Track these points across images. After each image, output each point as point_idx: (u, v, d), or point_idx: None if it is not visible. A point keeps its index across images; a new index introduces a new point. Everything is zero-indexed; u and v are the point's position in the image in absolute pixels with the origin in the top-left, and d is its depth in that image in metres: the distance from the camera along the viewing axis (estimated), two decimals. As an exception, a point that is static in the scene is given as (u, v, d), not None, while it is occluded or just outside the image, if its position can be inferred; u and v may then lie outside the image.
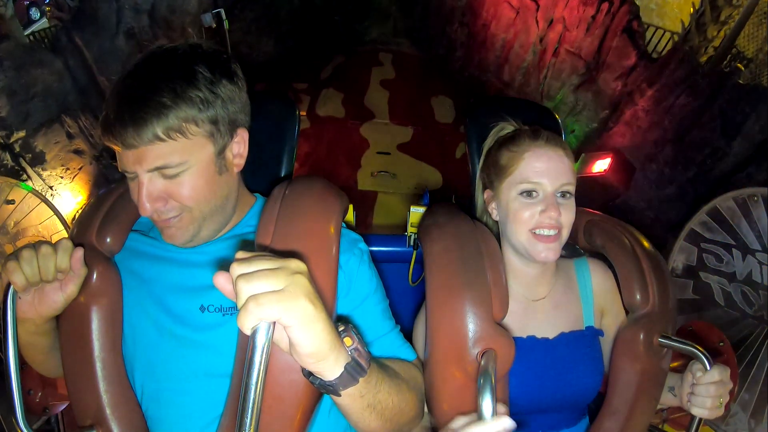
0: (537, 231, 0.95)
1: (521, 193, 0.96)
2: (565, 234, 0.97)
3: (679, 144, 4.40)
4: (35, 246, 0.77)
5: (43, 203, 2.83)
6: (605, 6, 5.10)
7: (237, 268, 0.57)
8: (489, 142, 1.08)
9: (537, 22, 6.04)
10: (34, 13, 8.53)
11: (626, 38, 4.93)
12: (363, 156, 5.49)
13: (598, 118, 5.03)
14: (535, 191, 0.95)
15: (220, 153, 0.80)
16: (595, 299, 1.05)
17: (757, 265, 2.14)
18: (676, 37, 4.62)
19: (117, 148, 0.76)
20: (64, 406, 1.18)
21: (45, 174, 4.20)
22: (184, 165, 0.76)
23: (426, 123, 6.07)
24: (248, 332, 0.56)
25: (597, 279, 1.06)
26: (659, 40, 5.11)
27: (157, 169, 0.75)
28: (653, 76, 4.64)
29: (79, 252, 0.81)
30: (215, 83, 0.77)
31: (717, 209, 2.23)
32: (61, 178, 4.32)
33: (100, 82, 4.73)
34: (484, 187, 1.06)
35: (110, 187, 0.97)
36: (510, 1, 6.29)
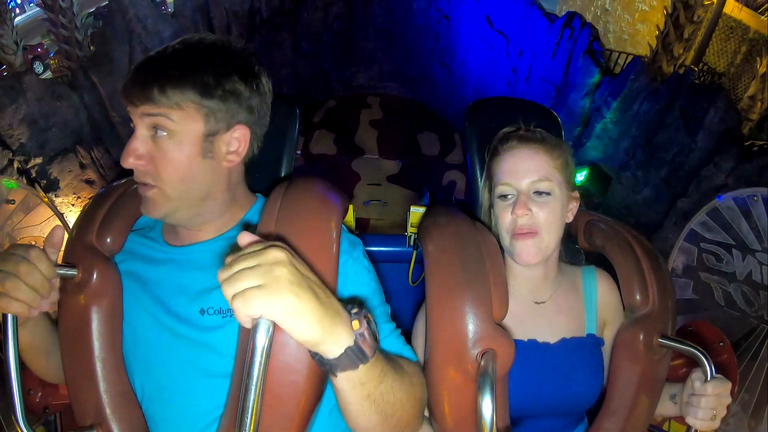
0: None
1: (499, 197, 0.97)
2: (546, 237, 0.95)
3: (648, 147, 4.60)
4: (14, 267, 0.73)
5: (43, 204, 2.83)
6: (567, 32, 5.65)
7: (221, 274, 0.59)
8: (489, 147, 1.07)
9: (508, 54, 6.67)
10: (38, 66, 8.70)
11: (588, 59, 5.35)
12: (355, 188, 5.98)
13: (571, 135, 5.34)
14: (509, 193, 0.95)
15: (209, 136, 0.80)
16: (599, 309, 1.04)
17: (757, 265, 2.14)
18: (646, 60, 4.85)
19: (129, 108, 0.80)
20: (64, 406, 1.18)
21: (57, 201, 4.45)
22: (171, 129, 0.78)
23: (413, 156, 6.68)
24: (248, 326, 0.58)
25: (603, 289, 1.05)
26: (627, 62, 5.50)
27: (149, 116, 0.77)
28: (617, 89, 4.94)
29: (59, 231, 0.82)
30: (224, 75, 0.79)
31: (717, 209, 2.23)
32: (72, 205, 4.59)
33: (112, 117, 5.04)
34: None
35: (109, 186, 0.96)
36: (483, 37, 6.92)
